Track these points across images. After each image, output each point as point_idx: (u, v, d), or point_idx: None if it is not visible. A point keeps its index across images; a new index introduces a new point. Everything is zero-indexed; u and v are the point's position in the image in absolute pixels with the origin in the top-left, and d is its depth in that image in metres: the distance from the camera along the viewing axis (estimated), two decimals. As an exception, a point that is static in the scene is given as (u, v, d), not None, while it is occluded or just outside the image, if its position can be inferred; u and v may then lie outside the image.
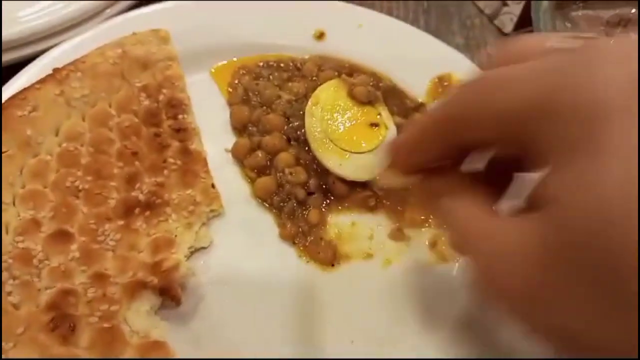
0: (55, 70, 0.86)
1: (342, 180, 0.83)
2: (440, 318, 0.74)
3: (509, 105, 0.43)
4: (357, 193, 0.84)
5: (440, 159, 0.54)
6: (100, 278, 0.71)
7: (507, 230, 0.43)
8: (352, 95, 0.87)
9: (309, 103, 0.86)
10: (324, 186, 0.84)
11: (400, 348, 0.72)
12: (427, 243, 0.80)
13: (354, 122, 0.85)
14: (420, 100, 0.94)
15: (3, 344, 0.63)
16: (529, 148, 0.42)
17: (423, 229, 0.82)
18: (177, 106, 0.88)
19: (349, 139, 0.83)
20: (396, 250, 0.80)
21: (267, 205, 0.83)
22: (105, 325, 0.66)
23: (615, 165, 0.36)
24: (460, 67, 0.94)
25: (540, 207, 0.40)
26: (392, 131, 0.85)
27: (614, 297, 0.36)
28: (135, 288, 0.70)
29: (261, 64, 0.97)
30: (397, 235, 0.81)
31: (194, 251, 0.78)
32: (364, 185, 0.84)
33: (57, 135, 0.82)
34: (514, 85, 0.43)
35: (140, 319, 0.68)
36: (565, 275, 0.38)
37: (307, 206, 0.82)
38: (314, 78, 0.94)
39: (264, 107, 0.91)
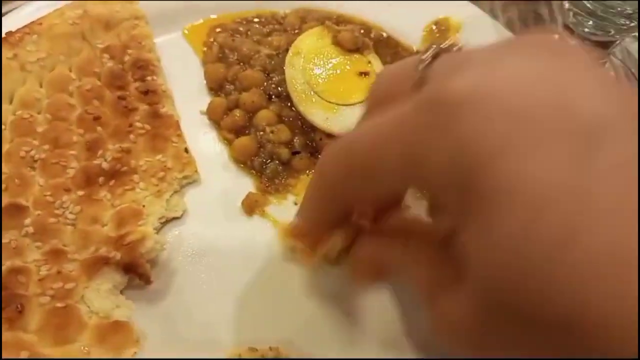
0: (8, 33, 0.78)
1: (330, 137, 0.74)
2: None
3: (385, 183, 0.46)
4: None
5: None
6: (56, 254, 0.62)
7: (450, 308, 0.43)
8: (337, 42, 0.78)
9: (289, 53, 0.77)
10: (310, 144, 0.75)
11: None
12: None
13: (341, 71, 0.76)
14: (415, 48, 0.84)
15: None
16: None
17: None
18: (144, 67, 0.79)
19: (335, 90, 0.74)
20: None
21: (247, 168, 0.74)
22: (59, 304, 0.58)
23: (505, 216, 0.35)
24: (458, 9, 0.84)
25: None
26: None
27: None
28: (95, 264, 0.61)
29: (239, 19, 0.88)
30: None
31: (165, 222, 0.69)
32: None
33: (11, 103, 0.74)
34: (383, 155, 0.43)
35: (100, 298, 0.59)
36: (499, 334, 0.39)
37: (292, 168, 0.73)
38: (296, 31, 0.85)
39: (242, 64, 0.82)
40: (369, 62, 0.78)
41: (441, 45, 0.46)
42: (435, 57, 0.45)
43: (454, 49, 0.46)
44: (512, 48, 0.43)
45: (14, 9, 0.85)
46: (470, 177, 0.36)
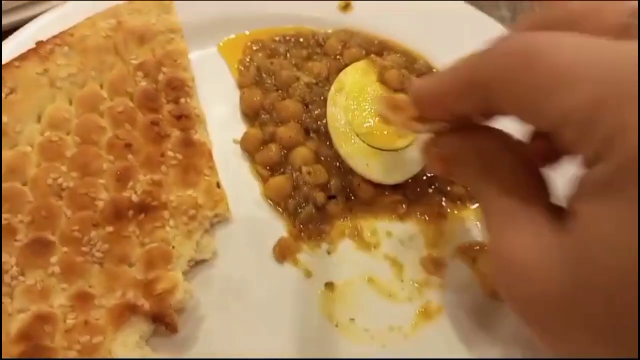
0: (39, 44, 0.74)
1: (369, 183, 0.71)
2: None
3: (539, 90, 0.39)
4: (385, 197, 0.72)
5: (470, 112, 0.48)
6: (83, 299, 0.60)
7: (522, 246, 0.41)
8: (382, 80, 0.74)
9: (332, 89, 0.73)
10: (346, 188, 0.72)
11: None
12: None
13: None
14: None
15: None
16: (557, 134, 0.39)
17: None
18: (179, 88, 0.76)
19: (378, 133, 0.70)
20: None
21: (280, 209, 0.71)
22: (86, 361, 0.56)
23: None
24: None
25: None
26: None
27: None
28: (124, 313, 0.60)
29: (277, 38, 0.85)
30: (431, 263, 0.69)
31: (194, 265, 0.66)
32: (393, 188, 0.72)
33: (39, 121, 0.71)
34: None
35: (127, 352, 0.58)
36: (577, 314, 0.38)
37: (326, 212, 0.70)
38: (337, 57, 0.82)
39: (280, 91, 0.78)
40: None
41: None
42: None
43: None
44: None
45: (41, 12, 0.81)
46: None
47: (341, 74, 0.74)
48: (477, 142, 0.50)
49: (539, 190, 0.45)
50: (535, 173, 0.46)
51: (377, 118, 0.70)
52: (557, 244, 0.39)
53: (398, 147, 0.70)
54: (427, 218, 0.71)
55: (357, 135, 0.71)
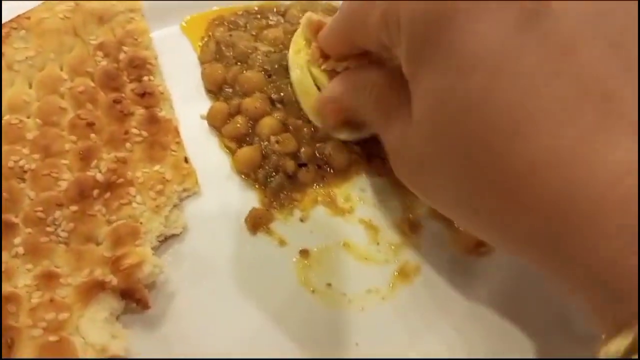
0: (-6, 28, 0.72)
1: (341, 151, 0.69)
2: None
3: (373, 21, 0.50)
4: (360, 165, 0.71)
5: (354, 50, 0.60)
6: (48, 278, 0.58)
7: (394, 137, 0.54)
8: None
9: (290, 52, 0.71)
10: (318, 156, 0.70)
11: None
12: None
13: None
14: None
15: None
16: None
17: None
18: (141, 66, 0.74)
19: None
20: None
21: (250, 180, 0.69)
22: (52, 338, 0.54)
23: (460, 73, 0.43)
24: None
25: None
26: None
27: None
28: (91, 290, 0.58)
29: (240, 13, 0.83)
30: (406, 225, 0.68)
31: (164, 240, 0.65)
32: (366, 148, 0.71)
33: (-3, 106, 0.69)
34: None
35: (96, 329, 0.56)
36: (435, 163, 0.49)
37: (298, 181, 0.69)
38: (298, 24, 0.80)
39: (240, 64, 0.76)
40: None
41: None
42: None
43: None
44: None
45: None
46: (432, 30, 0.43)
47: (295, 36, 0.72)
48: (351, 77, 0.62)
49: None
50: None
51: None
52: (409, 129, 0.50)
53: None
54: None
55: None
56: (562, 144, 0.38)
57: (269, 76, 0.74)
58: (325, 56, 0.65)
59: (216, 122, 0.73)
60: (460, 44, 0.41)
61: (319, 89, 0.68)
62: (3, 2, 0.77)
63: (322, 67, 0.65)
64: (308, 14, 0.67)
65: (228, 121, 0.73)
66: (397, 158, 0.56)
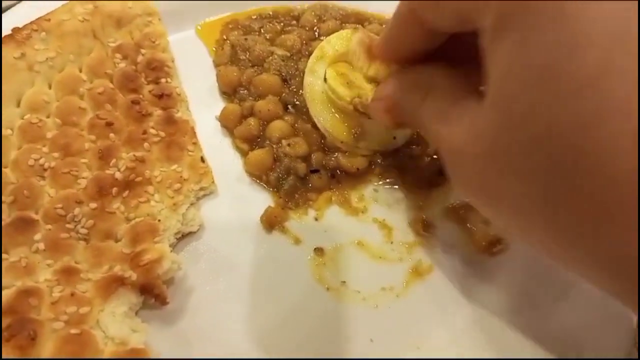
0: (15, 30, 0.74)
1: (353, 159, 0.70)
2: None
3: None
4: (372, 170, 0.72)
5: (417, 46, 0.56)
6: (68, 273, 0.59)
7: (459, 132, 0.47)
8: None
9: (312, 57, 0.72)
10: (327, 165, 0.71)
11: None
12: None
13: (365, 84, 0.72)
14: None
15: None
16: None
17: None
18: (158, 68, 0.76)
19: (357, 102, 0.69)
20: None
21: (261, 183, 0.71)
22: (73, 331, 0.55)
23: (547, 38, 0.37)
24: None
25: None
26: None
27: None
28: (111, 285, 0.59)
29: (254, 16, 0.85)
30: (420, 224, 0.68)
31: (181, 237, 0.66)
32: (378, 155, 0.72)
33: (18, 105, 0.70)
34: None
35: (116, 323, 0.57)
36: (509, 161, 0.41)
37: (311, 185, 0.70)
38: (315, 29, 0.82)
39: (255, 67, 0.78)
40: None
41: None
42: None
43: None
44: None
45: (17, 2, 0.81)
46: None
47: (324, 42, 0.73)
48: (403, 77, 0.59)
49: (469, 80, 0.49)
50: (463, 68, 0.51)
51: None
52: (480, 117, 0.44)
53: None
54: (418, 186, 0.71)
55: (336, 106, 0.70)
56: None
57: (284, 80, 0.76)
58: (371, 60, 0.64)
59: (229, 123, 0.74)
60: (574, 16, 0.36)
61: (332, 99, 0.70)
62: (24, 1, 0.79)
63: (369, 73, 0.65)
64: (358, 37, 0.66)
65: (240, 122, 0.74)
66: (459, 158, 0.48)
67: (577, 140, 0.36)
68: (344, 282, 0.64)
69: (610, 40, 0.35)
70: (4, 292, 0.57)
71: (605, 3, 0.36)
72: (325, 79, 0.70)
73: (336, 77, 0.69)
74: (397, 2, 0.54)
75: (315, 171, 0.70)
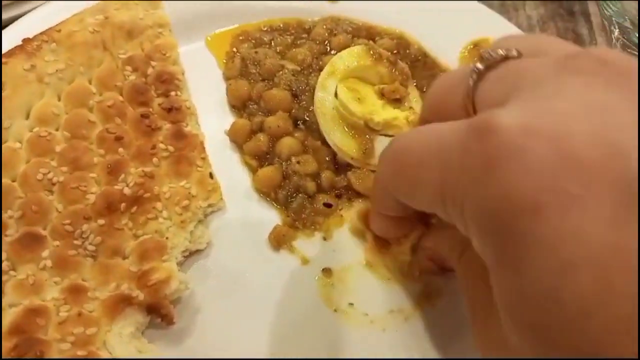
0: (25, 40, 0.73)
1: (364, 176, 0.70)
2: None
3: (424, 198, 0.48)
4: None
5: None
6: (76, 292, 0.59)
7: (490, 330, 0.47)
8: (376, 70, 0.73)
9: (324, 72, 0.72)
10: (337, 186, 0.71)
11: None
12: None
13: (376, 100, 0.72)
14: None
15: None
16: None
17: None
18: (168, 81, 0.75)
19: (369, 119, 0.70)
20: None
21: (270, 200, 0.70)
22: (80, 353, 0.55)
23: (539, 269, 0.36)
24: (497, 30, 0.80)
25: None
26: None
27: None
28: (118, 305, 0.59)
29: (265, 28, 0.84)
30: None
31: (189, 255, 0.65)
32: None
33: (27, 118, 0.70)
34: (424, 171, 0.46)
35: (122, 344, 0.57)
36: None
37: (318, 203, 0.70)
38: (325, 43, 0.81)
39: (266, 81, 0.77)
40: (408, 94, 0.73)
41: (492, 54, 0.46)
42: (487, 68, 0.46)
43: (506, 57, 0.46)
44: (565, 71, 0.41)
45: (27, 10, 0.81)
46: (510, 225, 0.37)
47: (335, 58, 0.73)
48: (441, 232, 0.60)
49: None
50: None
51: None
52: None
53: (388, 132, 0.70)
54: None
55: (347, 123, 0.70)
56: None
57: (295, 95, 0.75)
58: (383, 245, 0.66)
59: (238, 138, 0.74)
60: (554, 240, 0.35)
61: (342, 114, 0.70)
62: (37, 9, 0.79)
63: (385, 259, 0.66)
64: (357, 212, 0.69)
65: (250, 138, 0.73)
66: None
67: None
68: (352, 304, 0.64)
69: (602, 260, 0.34)
70: (11, 311, 0.57)
71: (586, 215, 0.35)
72: (336, 95, 0.70)
73: (347, 92, 0.70)
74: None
75: (329, 205, 0.69)
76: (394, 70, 0.73)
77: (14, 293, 0.58)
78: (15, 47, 0.73)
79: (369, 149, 0.69)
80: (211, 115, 0.77)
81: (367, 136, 0.69)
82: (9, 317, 0.56)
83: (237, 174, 0.73)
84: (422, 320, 0.63)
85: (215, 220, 0.69)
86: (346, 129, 0.70)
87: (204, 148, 0.72)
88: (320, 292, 0.64)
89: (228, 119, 0.77)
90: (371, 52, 0.73)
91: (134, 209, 0.65)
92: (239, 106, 0.77)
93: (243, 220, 0.69)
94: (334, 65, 0.72)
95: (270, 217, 0.69)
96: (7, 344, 0.54)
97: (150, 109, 0.73)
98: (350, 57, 0.72)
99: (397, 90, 0.71)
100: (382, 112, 0.70)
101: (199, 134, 0.73)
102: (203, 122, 0.76)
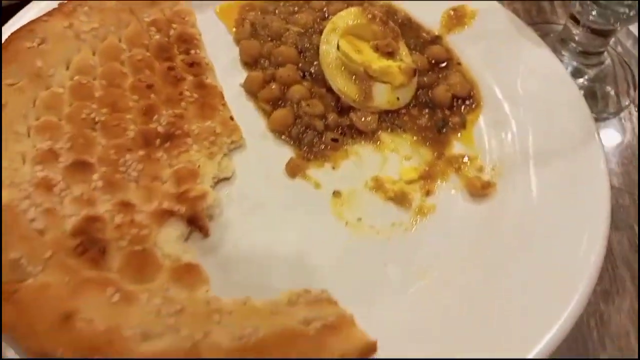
0: (62, 4, 0.83)
1: (367, 116, 0.81)
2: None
3: None
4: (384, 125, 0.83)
5: None
6: (126, 206, 0.68)
7: None
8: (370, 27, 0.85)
9: (326, 28, 0.84)
10: (342, 126, 0.82)
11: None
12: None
13: (372, 53, 0.84)
14: (436, 32, 0.93)
15: (31, 267, 0.60)
16: None
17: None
18: (188, 41, 0.86)
19: (367, 66, 0.81)
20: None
21: (284, 137, 0.81)
22: (137, 248, 0.64)
23: None
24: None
25: None
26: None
27: None
28: (163, 215, 0.68)
29: (267, 0, 0.96)
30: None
31: (218, 182, 0.75)
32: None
33: (67, 68, 0.79)
34: None
35: (170, 244, 0.66)
36: None
37: (327, 139, 0.81)
38: (324, 10, 0.93)
39: (274, 41, 0.89)
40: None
41: None
42: None
43: None
44: None
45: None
46: None
47: (335, 17, 0.85)
48: None
49: None
50: None
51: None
52: None
53: (384, 80, 0.82)
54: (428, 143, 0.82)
55: (348, 69, 0.81)
56: None
57: (300, 52, 0.87)
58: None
59: (253, 88, 0.85)
60: None
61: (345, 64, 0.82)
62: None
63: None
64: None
65: (263, 87, 0.84)
66: None
67: None
68: (360, 218, 0.74)
69: None
70: (72, 218, 0.65)
71: None
72: (338, 47, 0.82)
73: (348, 44, 0.81)
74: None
75: (335, 140, 0.80)
76: (385, 28, 0.84)
77: (71, 205, 0.67)
78: (53, 9, 0.82)
79: (368, 93, 0.80)
80: (226, 72, 0.87)
81: (365, 82, 0.81)
82: (70, 223, 0.65)
83: (252, 119, 0.83)
84: (420, 230, 0.74)
85: (237, 156, 0.79)
86: (348, 76, 0.81)
87: (223, 96, 0.83)
88: (333, 210, 0.75)
89: (241, 75, 0.87)
90: (366, 13, 0.85)
91: (168, 144, 0.75)
92: (251, 63, 0.88)
93: (261, 155, 0.80)
94: (335, 22, 0.84)
95: (285, 152, 0.80)
96: (71, 243, 0.63)
97: (175, 63, 0.83)
98: (348, 16, 0.85)
99: (390, 44, 0.83)
100: (378, 62, 0.82)
101: (218, 86, 0.84)
102: (219, 77, 0.86)
